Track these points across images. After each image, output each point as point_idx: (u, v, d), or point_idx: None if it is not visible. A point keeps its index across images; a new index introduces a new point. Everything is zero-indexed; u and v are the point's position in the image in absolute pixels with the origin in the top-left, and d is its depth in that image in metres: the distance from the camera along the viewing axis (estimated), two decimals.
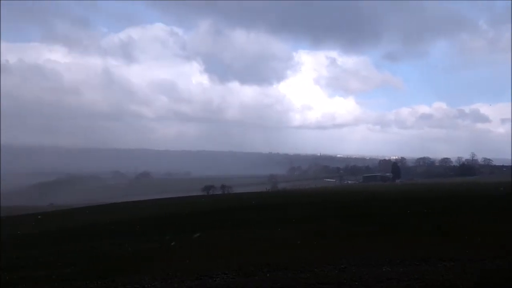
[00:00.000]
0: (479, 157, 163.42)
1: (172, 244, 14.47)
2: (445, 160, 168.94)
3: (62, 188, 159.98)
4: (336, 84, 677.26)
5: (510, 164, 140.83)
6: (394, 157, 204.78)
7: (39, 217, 36.00)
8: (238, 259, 10.73)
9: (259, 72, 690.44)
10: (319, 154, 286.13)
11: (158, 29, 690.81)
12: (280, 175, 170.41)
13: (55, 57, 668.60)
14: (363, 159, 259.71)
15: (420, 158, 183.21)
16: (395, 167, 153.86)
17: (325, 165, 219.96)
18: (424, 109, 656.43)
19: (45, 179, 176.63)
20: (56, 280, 9.60)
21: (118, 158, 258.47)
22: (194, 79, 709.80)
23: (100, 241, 17.09)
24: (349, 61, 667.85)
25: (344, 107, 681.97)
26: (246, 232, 16.62)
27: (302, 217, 21.32)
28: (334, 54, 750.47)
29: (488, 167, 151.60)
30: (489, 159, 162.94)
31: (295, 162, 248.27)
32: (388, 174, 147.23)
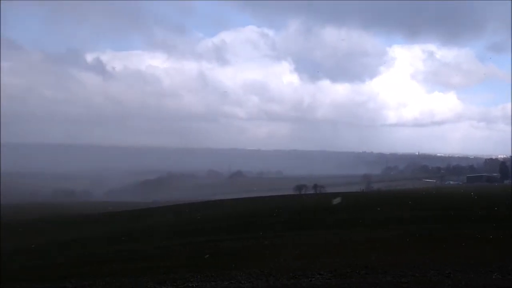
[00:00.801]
0: None
1: (265, 242, 14.59)
2: None
3: (163, 186, 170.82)
4: (435, 79, 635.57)
5: None
6: (501, 156, 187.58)
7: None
8: (333, 259, 10.49)
9: (350, 69, 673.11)
10: (417, 153, 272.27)
11: (250, 31, 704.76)
12: (374, 175, 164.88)
13: (156, 63, 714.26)
14: (466, 159, 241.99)
15: None
16: (503, 166, 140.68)
17: (424, 164, 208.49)
18: None
19: (148, 177, 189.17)
20: (157, 273, 10.15)
21: (213, 158, 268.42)
22: (285, 78, 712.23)
23: (197, 237, 17.84)
24: (449, 54, 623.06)
25: (444, 103, 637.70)
26: (341, 233, 16.25)
27: (400, 218, 20.36)
28: (432, 47, 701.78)
29: None
30: None
31: (390, 161, 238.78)
32: (495, 174, 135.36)
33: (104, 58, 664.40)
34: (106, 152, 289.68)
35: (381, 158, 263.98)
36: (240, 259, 11.51)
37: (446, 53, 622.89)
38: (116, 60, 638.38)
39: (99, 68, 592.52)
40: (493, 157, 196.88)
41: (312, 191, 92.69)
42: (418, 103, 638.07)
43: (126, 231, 25.49)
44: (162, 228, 25.58)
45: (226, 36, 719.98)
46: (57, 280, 10.68)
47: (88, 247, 19.84)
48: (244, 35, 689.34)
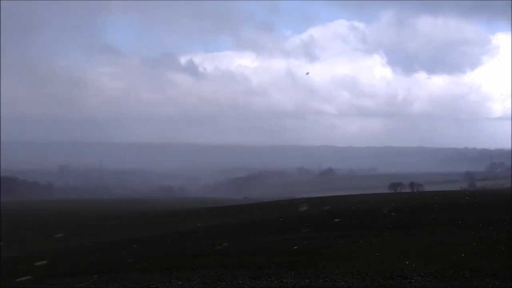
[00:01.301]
0: None
1: (360, 241, 14.23)
2: None
3: (253, 183, 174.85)
4: None
5: None
6: None
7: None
8: (433, 261, 9.91)
9: (449, 60, 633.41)
10: None
11: (339, 25, 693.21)
12: (477, 172, 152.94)
13: (245, 62, 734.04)
14: None
15: None
16: None
17: None
18: None
19: (239, 174, 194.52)
20: (251, 268, 10.37)
21: (303, 155, 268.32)
22: (377, 72, 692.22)
23: (288, 234, 17.94)
24: None
25: None
26: (441, 233, 15.28)
27: (507, 219, 18.60)
28: None
29: None
30: None
31: (495, 157, 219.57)
32: None
33: (196, 60, 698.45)
34: (200, 150, 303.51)
35: (485, 154, 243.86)
36: (333, 258, 11.36)
37: None
38: (207, 61, 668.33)
39: (192, 69, 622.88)
40: None
41: (408, 190, 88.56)
42: None
43: (219, 226, 26.44)
44: (253, 224, 26.14)
45: (315, 32, 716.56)
46: (161, 271, 11.43)
47: (186, 240, 20.91)
48: (333, 30, 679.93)
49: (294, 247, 13.90)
